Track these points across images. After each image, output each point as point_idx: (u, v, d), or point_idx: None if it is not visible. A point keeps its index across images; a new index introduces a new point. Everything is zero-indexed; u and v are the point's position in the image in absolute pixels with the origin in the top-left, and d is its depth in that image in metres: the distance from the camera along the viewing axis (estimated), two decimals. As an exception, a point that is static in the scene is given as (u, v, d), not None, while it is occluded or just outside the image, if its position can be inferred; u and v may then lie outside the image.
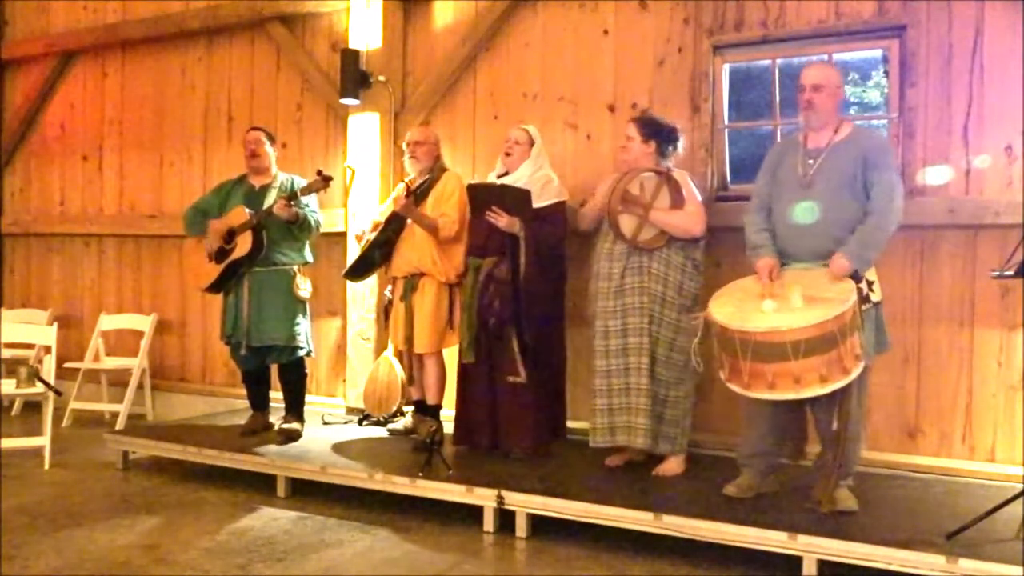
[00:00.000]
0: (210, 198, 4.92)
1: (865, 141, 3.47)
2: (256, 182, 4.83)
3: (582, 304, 4.35)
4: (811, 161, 3.49)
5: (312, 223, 4.71)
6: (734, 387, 3.31)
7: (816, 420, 3.51)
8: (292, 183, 4.80)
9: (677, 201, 3.99)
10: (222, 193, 4.88)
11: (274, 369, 4.87)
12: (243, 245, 4.60)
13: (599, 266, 4.08)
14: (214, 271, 4.71)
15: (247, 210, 4.62)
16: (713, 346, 3.44)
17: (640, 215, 3.96)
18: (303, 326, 4.74)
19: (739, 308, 3.30)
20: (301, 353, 4.76)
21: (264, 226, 4.59)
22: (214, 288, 4.77)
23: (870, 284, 3.37)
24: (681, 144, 4.17)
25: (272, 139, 4.94)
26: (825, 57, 4.34)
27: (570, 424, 4.62)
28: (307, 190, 4.59)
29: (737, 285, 3.55)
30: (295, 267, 4.73)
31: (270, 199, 4.66)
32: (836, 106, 3.53)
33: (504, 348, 4.22)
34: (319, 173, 4.59)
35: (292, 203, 4.53)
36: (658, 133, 4.09)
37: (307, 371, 4.92)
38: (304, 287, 4.71)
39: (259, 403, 4.94)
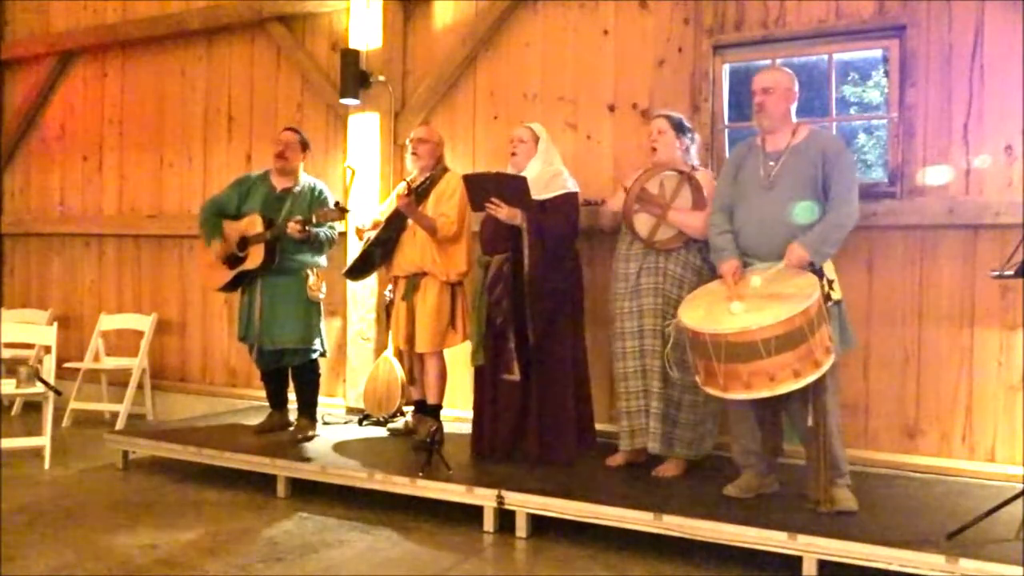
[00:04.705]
0: (230, 192, 4.86)
1: (823, 142, 3.52)
2: (278, 184, 4.80)
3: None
4: (772, 163, 3.54)
5: (324, 243, 4.71)
6: (711, 390, 3.34)
7: (791, 418, 3.53)
8: (312, 193, 4.77)
9: (699, 202, 3.89)
10: (243, 188, 4.84)
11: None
12: (255, 257, 4.62)
13: (617, 267, 4.06)
14: (220, 267, 4.74)
15: (260, 221, 4.61)
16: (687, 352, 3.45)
17: (657, 215, 3.92)
18: (317, 328, 4.75)
19: (708, 312, 3.34)
20: (315, 355, 4.77)
21: (277, 240, 4.59)
22: (228, 288, 4.81)
23: (830, 283, 3.40)
24: (697, 145, 4.15)
25: (306, 145, 4.90)
26: (825, 58, 4.35)
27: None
28: (322, 218, 4.54)
29: (704, 290, 3.60)
30: (308, 270, 4.70)
31: (287, 207, 4.65)
32: (788, 108, 3.58)
33: (504, 345, 4.13)
34: (337, 205, 4.55)
35: (306, 227, 4.51)
36: (686, 130, 4.07)
37: (320, 372, 4.91)
38: (317, 289, 4.69)
39: (277, 402, 4.95)
